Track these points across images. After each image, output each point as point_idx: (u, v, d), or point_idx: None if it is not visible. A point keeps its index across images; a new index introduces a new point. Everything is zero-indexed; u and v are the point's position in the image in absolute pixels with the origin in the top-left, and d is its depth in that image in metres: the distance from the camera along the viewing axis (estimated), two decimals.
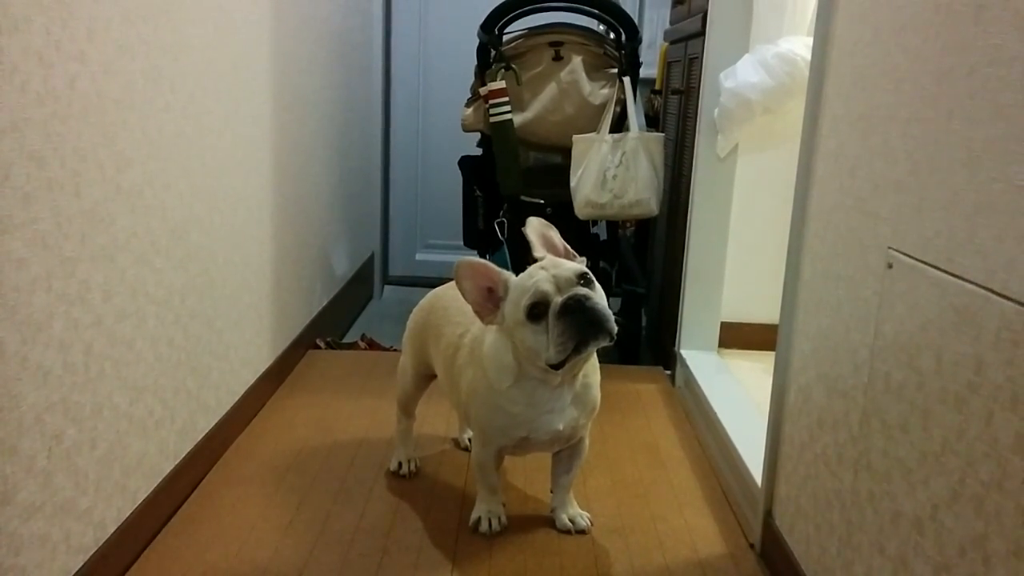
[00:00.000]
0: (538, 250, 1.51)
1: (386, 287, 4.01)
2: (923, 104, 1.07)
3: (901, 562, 1.05)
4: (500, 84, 2.59)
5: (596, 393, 1.60)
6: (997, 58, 0.91)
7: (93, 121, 1.30)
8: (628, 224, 3.48)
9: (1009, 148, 0.88)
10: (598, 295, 1.43)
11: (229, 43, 1.88)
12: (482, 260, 1.50)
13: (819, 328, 1.40)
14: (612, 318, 1.41)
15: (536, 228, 1.55)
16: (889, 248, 1.14)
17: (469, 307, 1.52)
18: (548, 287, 1.41)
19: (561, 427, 1.55)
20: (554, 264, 1.45)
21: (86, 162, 1.28)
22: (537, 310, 1.41)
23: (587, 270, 1.45)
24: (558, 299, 1.40)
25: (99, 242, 1.33)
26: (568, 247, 1.56)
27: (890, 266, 1.13)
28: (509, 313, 1.46)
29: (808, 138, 1.47)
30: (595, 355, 1.56)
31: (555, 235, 1.56)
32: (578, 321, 1.39)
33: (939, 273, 1.00)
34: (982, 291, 0.91)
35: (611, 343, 1.41)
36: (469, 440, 1.98)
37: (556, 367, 1.44)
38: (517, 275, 1.48)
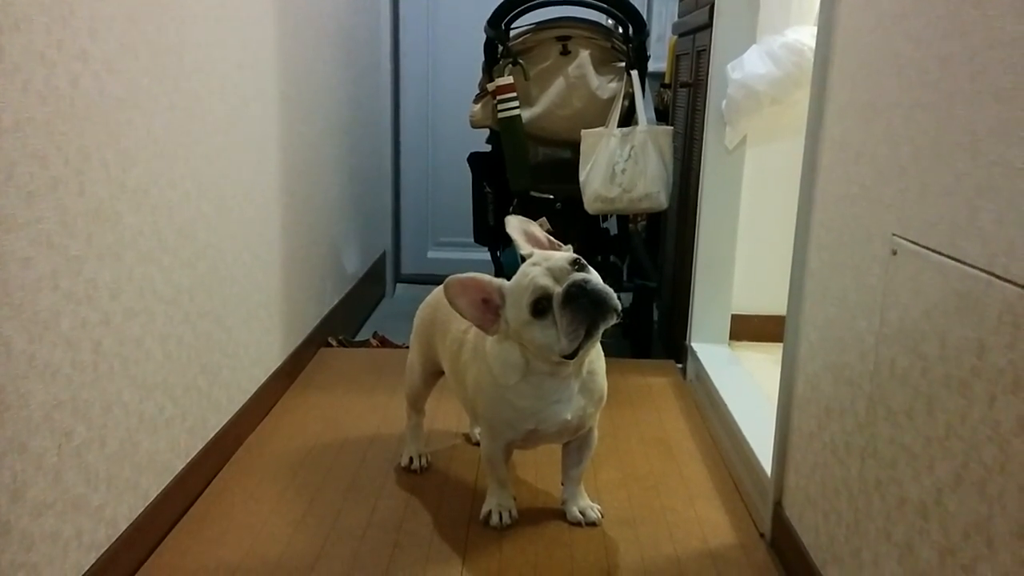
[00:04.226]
0: (524, 247, 1.51)
1: (398, 285, 4.02)
2: (925, 89, 1.06)
3: (907, 548, 1.05)
4: (508, 79, 2.59)
5: (602, 381, 1.60)
6: (997, 41, 0.90)
7: (96, 120, 1.31)
8: (639, 218, 3.48)
9: (1009, 131, 0.87)
10: (595, 276, 1.43)
11: (234, 41, 1.89)
12: (469, 274, 1.48)
13: (826, 317, 1.39)
14: (614, 294, 1.40)
15: (516, 226, 1.54)
16: (893, 235, 1.13)
17: None
18: (546, 281, 1.41)
19: (569, 417, 1.55)
20: (544, 257, 1.45)
21: (90, 161, 1.29)
22: (541, 305, 1.41)
23: (577, 256, 1.45)
24: (558, 289, 1.40)
25: (105, 240, 1.34)
26: (552, 238, 1.55)
27: (894, 253, 1.12)
28: (512, 317, 1.46)
29: (813, 127, 1.47)
30: (599, 344, 1.55)
31: (536, 229, 1.55)
32: (583, 306, 1.38)
33: (942, 258, 0.99)
34: (984, 275, 0.90)
35: (619, 320, 1.41)
36: (479, 435, 1.98)
37: (570, 357, 1.44)
38: None
